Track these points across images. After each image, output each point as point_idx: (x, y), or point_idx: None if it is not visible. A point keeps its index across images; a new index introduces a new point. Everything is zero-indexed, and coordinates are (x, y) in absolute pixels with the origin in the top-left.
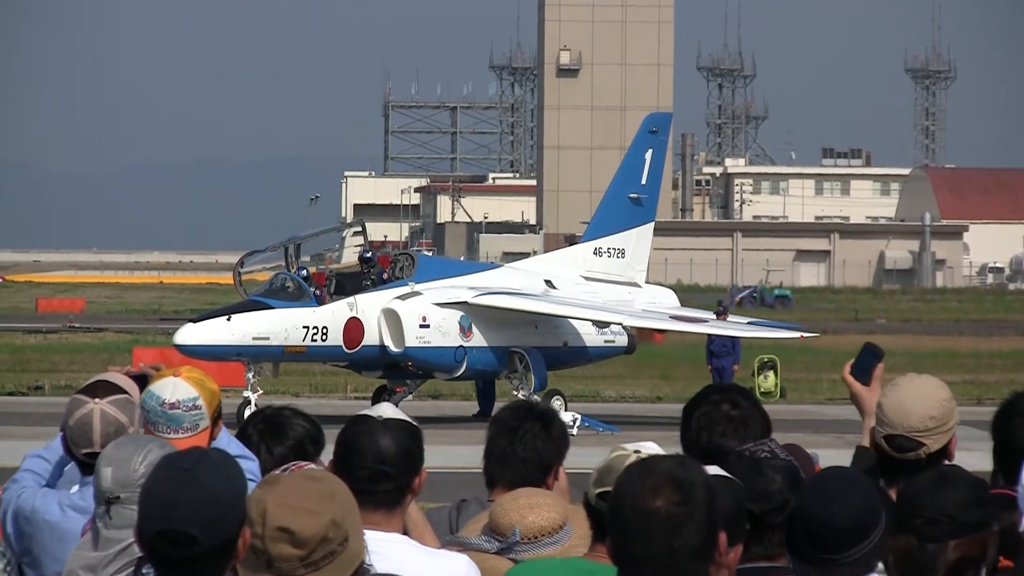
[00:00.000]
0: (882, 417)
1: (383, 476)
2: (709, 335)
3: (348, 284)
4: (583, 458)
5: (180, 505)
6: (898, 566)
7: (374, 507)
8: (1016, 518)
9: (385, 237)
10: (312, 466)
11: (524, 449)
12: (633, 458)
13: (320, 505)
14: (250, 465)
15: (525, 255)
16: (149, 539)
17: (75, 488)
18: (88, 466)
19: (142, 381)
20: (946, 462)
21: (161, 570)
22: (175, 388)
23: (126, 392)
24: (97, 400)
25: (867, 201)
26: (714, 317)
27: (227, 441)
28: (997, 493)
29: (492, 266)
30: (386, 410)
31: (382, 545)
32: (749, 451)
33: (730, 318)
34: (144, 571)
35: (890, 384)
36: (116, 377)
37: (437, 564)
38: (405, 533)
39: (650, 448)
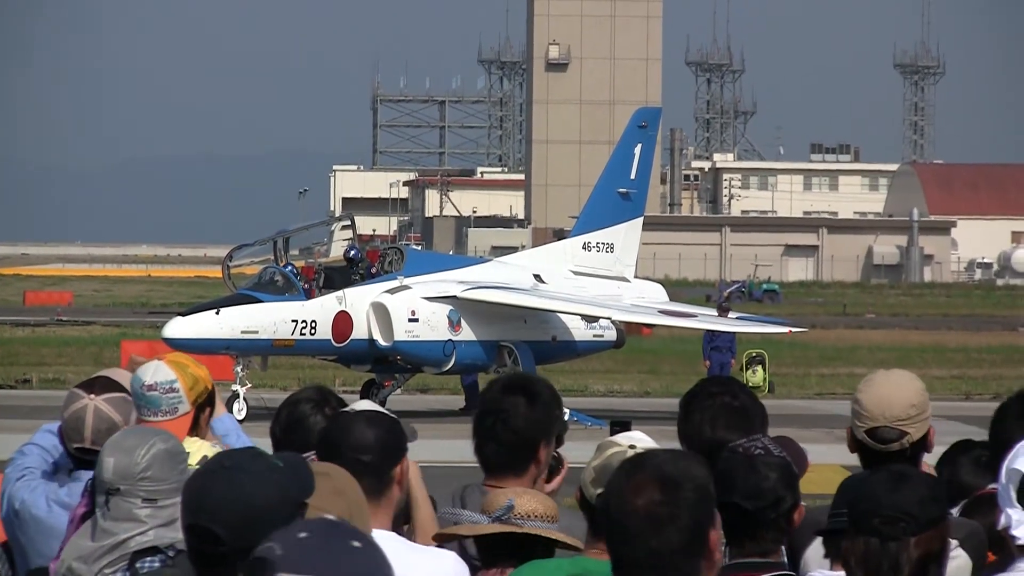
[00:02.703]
0: (861, 411)
1: (360, 465)
2: (711, 331)
3: (337, 278)
4: (572, 452)
5: (209, 501)
6: (861, 567)
7: None
8: (997, 516)
9: (374, 231)
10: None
11: (504, 430)
12: (628, 453)
13: (328, 502)
14: None
15: (513, 249)
16: (184, 531)
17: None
18: (80, 460)
19: None
20: (926, 455)
21: (195, 564)
22: (155, 371)
23: (125, 390)
24: (93, 396)
25: (855, 196)
26: (704, 313)
27: (235, 439)
28: (988, 493)
29: (481, 260)
30: (361, 404)
31: None
32: (743, 447)
33: (714, 313)
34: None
35: (863, 381)
36: (119, 374)
37: (424, 561)
38: (396, 529)
39: (643, 441)
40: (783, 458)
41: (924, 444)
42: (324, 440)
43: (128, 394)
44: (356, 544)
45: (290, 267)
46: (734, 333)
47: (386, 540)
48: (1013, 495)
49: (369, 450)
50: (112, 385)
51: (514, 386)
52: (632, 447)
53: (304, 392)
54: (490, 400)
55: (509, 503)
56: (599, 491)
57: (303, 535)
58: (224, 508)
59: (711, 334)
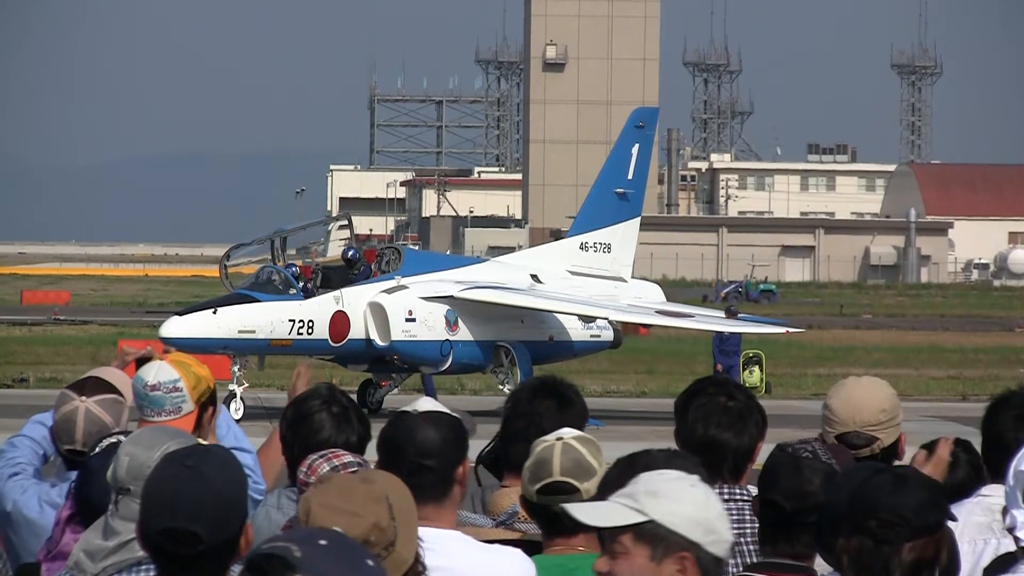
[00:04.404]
0: (831, 416)
1: (425, 469)
2: (720, 334)
3: (334, 278)
4: None
5: (185, 502)
6: (852, 567)
7: (421, 501)
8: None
9: (371, 231)
10: (349, 458)
11: (537, 432)
12: (558, 445)
13: (364, 508)
14: (247, 458)
15: (511, 249)
16: (153, 536)
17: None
18: (71, 461)
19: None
20: (896, 462)
21: (163, 568)
22: (158, 371)
23: (116, 391)
24: (83, 398)
25: (852, 197)
26: (702, 313)
27: (226, 431)
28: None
29: (478, 260)
30: (424, 404)
31: (435, 541)
32: (792, 448)
33: (711, 313)
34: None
35: (834, 386)
36: (110, 373)
37: (492, 559)
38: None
39: (570, 432)
40: (830, 465)
41: (894, 451)
42: (387, 443)
43: (119, 394)
44: (370, 563)
45: (289, 267)
46: (740, 335)
47: (453, 540)
48: (1020, 497)
49: (433, 453)
50: (103, 386)
51: (545, 390)
52: (560, 439)
53: (312, 389)
54: (521, 403)
55: (513, 508)
56: (537, 487)
57: (323, 542)
58: (201, 507)
59: (720, 337)
